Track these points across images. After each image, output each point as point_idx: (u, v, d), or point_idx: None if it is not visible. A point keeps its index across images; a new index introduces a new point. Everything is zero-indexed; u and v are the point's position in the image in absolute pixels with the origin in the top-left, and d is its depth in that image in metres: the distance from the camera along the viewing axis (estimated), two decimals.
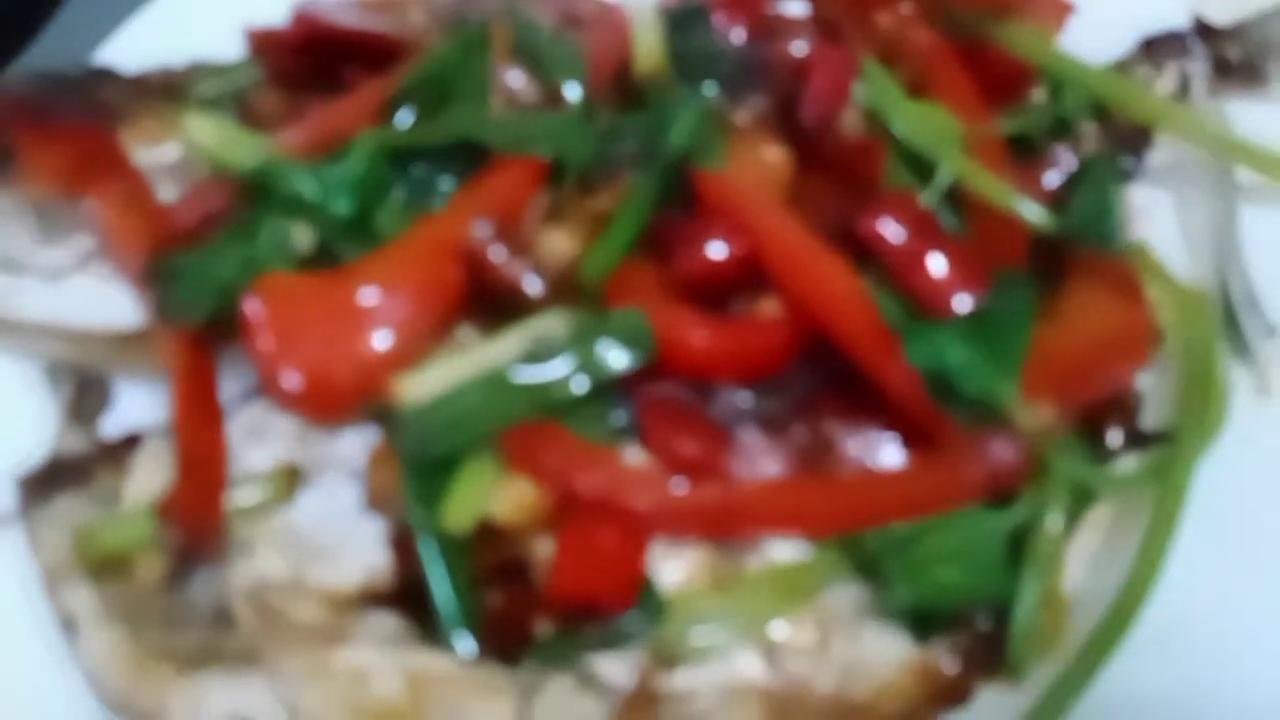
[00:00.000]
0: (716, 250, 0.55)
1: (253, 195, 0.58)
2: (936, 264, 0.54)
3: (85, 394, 0.62)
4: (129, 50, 0.69)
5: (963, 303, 0.53)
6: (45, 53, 0.78)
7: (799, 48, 0.61)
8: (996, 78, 0.61)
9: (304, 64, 0.65)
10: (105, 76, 0.66)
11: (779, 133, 0.60)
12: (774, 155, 0.59)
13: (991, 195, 0.57)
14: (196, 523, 0.54)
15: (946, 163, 0.57)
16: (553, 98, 0.61)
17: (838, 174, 0.58)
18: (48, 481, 0.58)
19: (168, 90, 0.65)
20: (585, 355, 0.53)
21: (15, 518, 0.58)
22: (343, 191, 0.57)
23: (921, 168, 0.58)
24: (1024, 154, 0.60)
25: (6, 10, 0.78)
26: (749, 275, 0.55)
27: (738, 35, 0.63)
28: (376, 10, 0.68)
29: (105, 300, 0.60)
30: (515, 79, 0.62)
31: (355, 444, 0.55)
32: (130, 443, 0.59)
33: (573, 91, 0.61)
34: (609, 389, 0.53)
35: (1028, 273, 0.55)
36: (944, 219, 0.57)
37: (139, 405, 0.60)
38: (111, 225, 0.59)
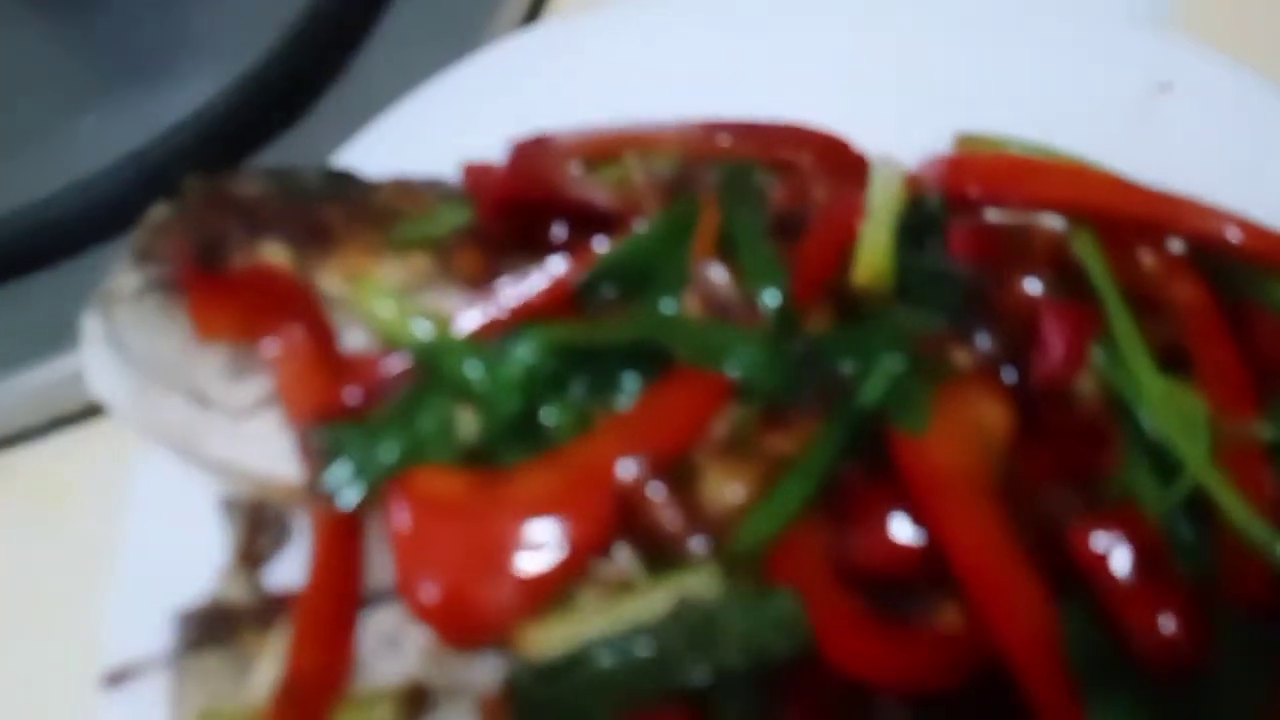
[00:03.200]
0: (902, 534, 0.49)
1: (423, 373, 0.56)
2: (1158, 609, 0.45)
3: (260, 534, 0.61)
4: (369, 154, 0.70)
5: (1178, 654, 0.45)
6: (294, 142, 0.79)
7: (1032, 286, 0.53)
8: (1265, 359, 0.52)
9: (512, 219, 0.61)
10: (341, 183, 0.65)
11: (1001, 385, 0.52)
12: (992, 415, 0.51)
13: (1237, 522, 0.48)
14: None
15: (1190, 469, 0.48)
16: (752, 304, 0.55)
17: (1063, 450, 0.50)
18: (203, 627, 0.58)
19: (383, 219, 0.63)
20: (733, 635, 0.48)
21: (169, 661, 0.58)
22: (510, 387, 0.54)
23: (1162, 457, 0.50)
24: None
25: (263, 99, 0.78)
26: (939, 570, 0.48)
27: (970, 255, 0.56)
28: (598, 159, 0.65)
29: (282, 447, 0.59)
30: (717, 275, 0.57)
31: (490, 673, 0.52)
32: (283, 603, 0.57)
33: (771, 299, 0.55)
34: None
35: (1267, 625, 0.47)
36: (1179, 529, 0.48)
37: None
38: (286, 377, 0.58)
